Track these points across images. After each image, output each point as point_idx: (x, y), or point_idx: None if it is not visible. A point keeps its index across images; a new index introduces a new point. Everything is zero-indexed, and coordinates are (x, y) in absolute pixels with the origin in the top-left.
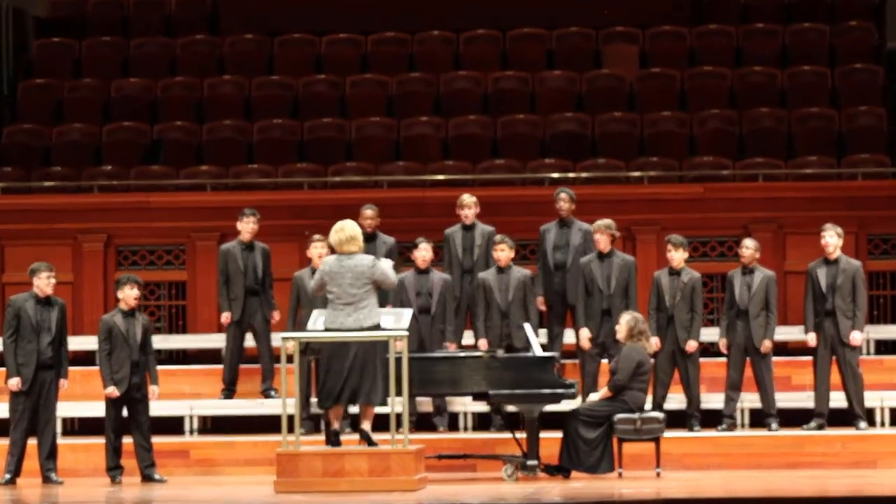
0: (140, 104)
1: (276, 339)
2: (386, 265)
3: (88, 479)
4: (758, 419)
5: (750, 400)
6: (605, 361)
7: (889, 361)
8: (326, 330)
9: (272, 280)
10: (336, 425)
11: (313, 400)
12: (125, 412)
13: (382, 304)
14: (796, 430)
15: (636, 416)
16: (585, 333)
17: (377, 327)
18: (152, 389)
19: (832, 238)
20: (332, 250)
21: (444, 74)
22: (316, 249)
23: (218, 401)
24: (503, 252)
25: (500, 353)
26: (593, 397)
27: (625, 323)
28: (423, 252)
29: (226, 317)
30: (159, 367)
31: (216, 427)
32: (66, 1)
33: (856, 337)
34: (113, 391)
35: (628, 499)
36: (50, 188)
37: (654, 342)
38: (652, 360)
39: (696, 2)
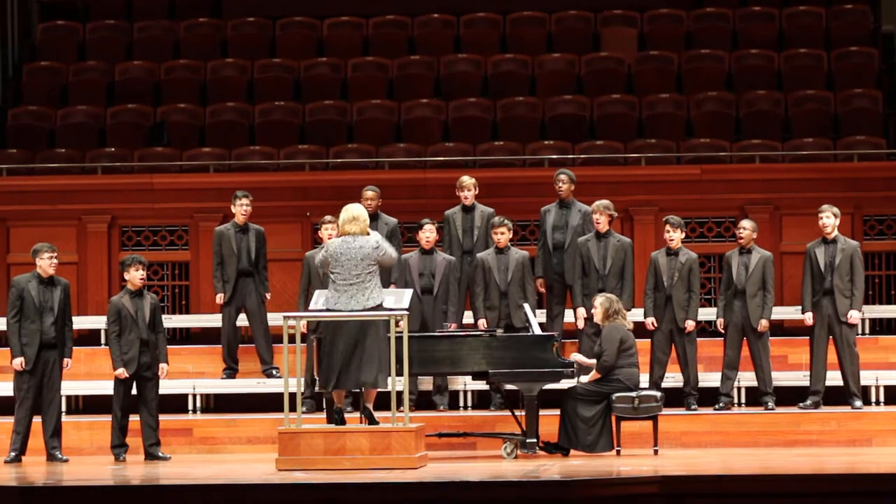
0: (144, 87)
1: (273, 319)
2: (390, 247)
3: (93, 457)
4: (754, 398)
5: (747, 379)
6: None
7: (884, 340)
8: (328, 311)
9: (266, 261)
10: (339, 404)
11: (316, 379)
12: (134, 390)
13: (385, 285)
14: (792, 409)
15: (634, 394)
16: (582, 313)
17: (380, 307)
18: (162, 367)
19: (829, 218)
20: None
21: (445, 57)
22: (327, 231)
23: (220, 380)
24: (503, 234)
25: (500, 332)
26: (583, 380)
27: (599, 305)
28: (428, 233)
29: (219, 298)
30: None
31: (219, 406)
32: None
33: (854, 316)
34: (122, 372)
35: (626, 476)
36: (54, 169)
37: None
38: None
39: None
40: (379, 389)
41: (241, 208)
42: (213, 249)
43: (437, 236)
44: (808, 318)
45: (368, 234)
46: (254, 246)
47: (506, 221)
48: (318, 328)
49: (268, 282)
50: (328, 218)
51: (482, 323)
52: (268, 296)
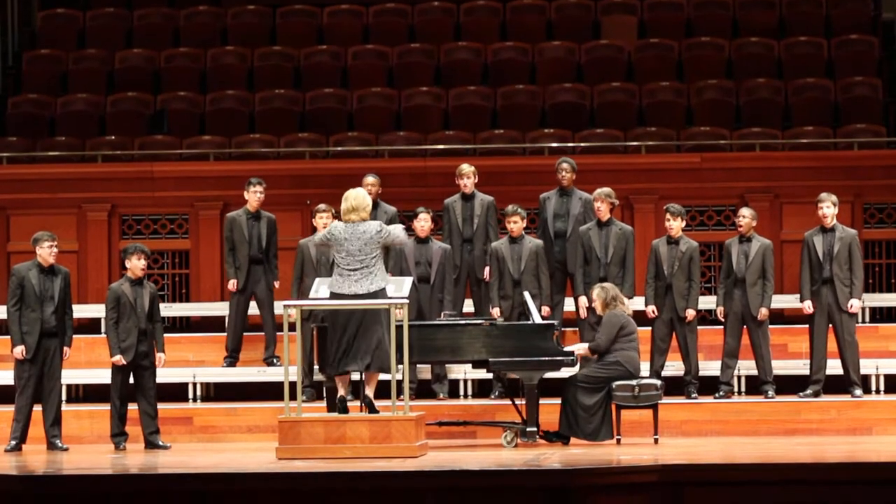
0: (144, 75)
1: (280, 307)
2: (395, 228)
3: (93, 445)
4: (754, 386)
5: (747, 367)
6: None
7: (884, 329)
8: (332, 295)
9: (277, 249)
10: (342, 392)
11: (316, 367)
12: (131, 379)
13: None
14: (793, 397)
15: (634, 383)
16: (583, 302)
17: (384, 291)
18: (159, 357)
19: (828, 208)
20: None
21: (445, 45)
22: (321, 220)
23: (221, 368)
24: (516, 223)
25: (500, 320)
26: (573, 347)
27: (597, 296)
28: (423, 222)
29: (232, 284)
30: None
31: (219, 394)
32: None
33: (853, 304)
34: (120, 359)
35: (627, 465)
36: (55, 158)
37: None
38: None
39: None
40: (382, 374)
41: (254, 195)
42: (224, 235)
43: (432, 225)
44: (807, 306)
45: (368, 220)
46: (265, 233)
47: (519, 210)
48: (312, 315)
49: (277, 270)
50: (322, 206)
51: (496, 312)
52: (276, 284)
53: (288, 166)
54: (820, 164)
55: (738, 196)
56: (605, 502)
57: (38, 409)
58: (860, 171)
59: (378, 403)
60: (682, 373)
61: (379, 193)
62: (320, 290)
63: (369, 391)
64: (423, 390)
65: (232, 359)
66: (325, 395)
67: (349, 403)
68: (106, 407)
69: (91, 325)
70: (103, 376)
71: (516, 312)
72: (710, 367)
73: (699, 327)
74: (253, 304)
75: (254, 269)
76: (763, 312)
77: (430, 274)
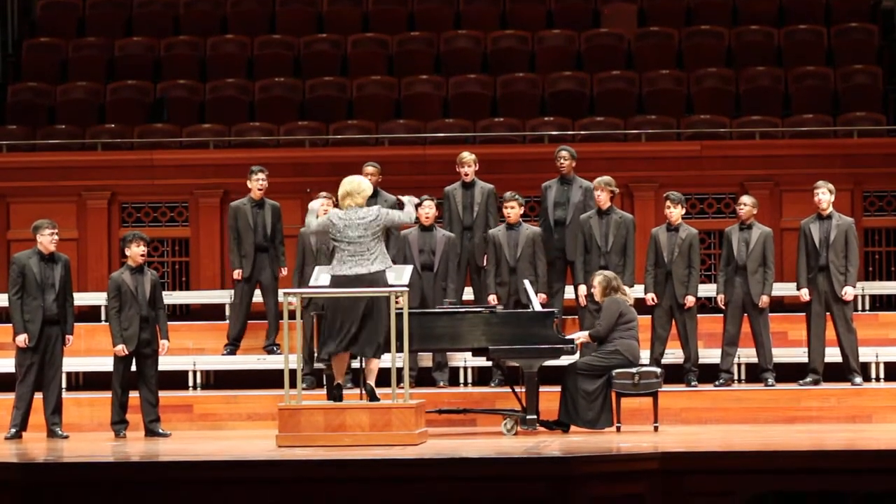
0: (143, 63)
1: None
2: (395, 213)
3: (93, 433)
4: (754, 374)
5: (747, 355)
6: None
7: (884, 317)
8: (333, 278)
9: (283, 237)
10: (339, 379)
11: (316, 356)
12: (133, 367)
13: None
14: (793, 385)
15: (634, 370)
16: (583, 290)
17: (384, 273)
18: (163, 343)
19: (825, 195)
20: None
21: (445, 33)
22: (322, 207)
23: (221, 356)
24: (513, 209)
25: (500, 308)
26: (573, 335)
27: (598, 283)
28: (427, 209)
29: (237, 273)
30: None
31: (219, 382)
32: None
33: (848, 292)
34: (122, 349)
35: (626, 453)
36: (54, 146)
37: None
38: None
39: None
40: (379, 363)
41: (257, 183)
42: (229, 224)
43: (436, 212)
44: (804, 294)
45: (364, 205)
46: (270, 221)
47: (516, 196)
48: (312, 303)
49: (284, 257)
50: (323, 194)
51: (493, 299)
52: (283, 271)
53: (288, 154)
54: (820, 152)
55: (737, 184)
56: (604, 490)
57: (38, 396)
58: (860, 159)
59: (378, 391)
60: (681, 360)
61: (379, 182)
62: (320, 278)
63: (370, 380)
64: (423, 378)
65: (232, 347)
66: (325, 382)
67: (351, 391)
68: (106, 395)
69: (91, 313)
70: (103, 364)
71: (513, 300)
72: (710, 355)
73: (699, 315)
74: (256, 291)
75: (259, 258)
76: (764, 300)
77: (434, 262)
